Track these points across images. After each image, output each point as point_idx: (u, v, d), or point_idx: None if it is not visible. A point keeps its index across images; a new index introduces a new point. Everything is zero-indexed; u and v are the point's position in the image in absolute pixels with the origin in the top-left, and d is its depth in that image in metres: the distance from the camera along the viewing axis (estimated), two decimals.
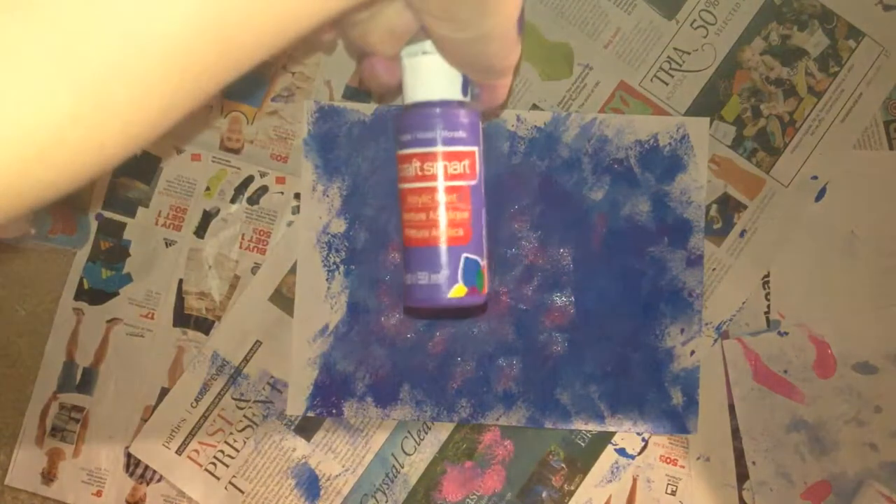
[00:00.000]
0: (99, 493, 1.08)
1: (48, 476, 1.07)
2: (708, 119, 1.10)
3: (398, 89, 0.77)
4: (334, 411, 1.08)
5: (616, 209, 1.09)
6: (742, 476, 1.09)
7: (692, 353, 1.09)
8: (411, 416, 1.08)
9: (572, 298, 1.09)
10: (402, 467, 1.09)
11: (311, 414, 1.08)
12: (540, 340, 1.09)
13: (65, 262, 1.10)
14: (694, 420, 1.09)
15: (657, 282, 1.09)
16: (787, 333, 1.09)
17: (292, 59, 1.10)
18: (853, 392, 1.08)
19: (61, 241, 1.03)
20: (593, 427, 1.09)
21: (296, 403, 1.08)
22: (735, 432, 1.09)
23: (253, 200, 1.09)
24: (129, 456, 1.09)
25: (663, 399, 1.09)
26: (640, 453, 1.09)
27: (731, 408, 1.09)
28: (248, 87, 1.10)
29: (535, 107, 1.10)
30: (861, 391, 1.08)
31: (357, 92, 1.10)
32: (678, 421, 1.09)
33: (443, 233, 0.76)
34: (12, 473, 1.07)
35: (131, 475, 1.08)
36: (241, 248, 1.10)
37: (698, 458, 1.09)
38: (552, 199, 1.09)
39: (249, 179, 1.09)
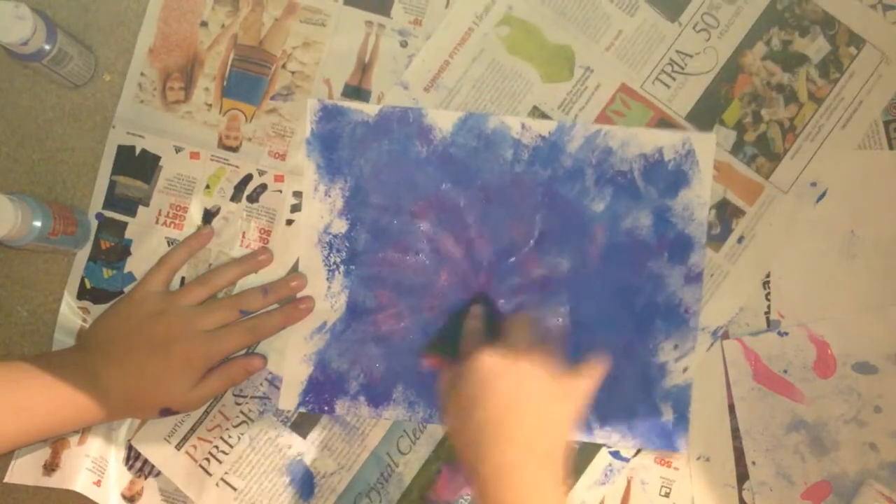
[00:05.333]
0: (98, 483, 1.08)
1: (50, 467, 1.08)
2: (714, 135, 1.09)
3: None
4: (326, 408, 1.09)
5: (617, 222, 1.09)
6: (742, 476, 1.09)
7: (685, 369, 1.09)
8: (403, 416, 1.09)
9: (568, 308, 1.09)
10: (397, 466, 1.09)
11: (303, 410, 1.09)
12: None
13: (66, 263, 1.10)
14: (684, 437, 1.09)
15: (654, 297, 1.09)
16: (787, 333, 1.09)
17: (291, 57, 1.10)
18: (853, 392, 1.09)
19: (62, 241, 1.03)
20: (582, 438, 1.09)
21: (288, 398, 1.09)
22: (735, 432, 1.09)
23: (252, 198, 1.09)
24: (130, 448, 1.09)
25: (653, 414, 1.09)
26: (634, 456, 1.09)
27: (731, 408, 1.09)
28: (248, 85, 1.11)
29: (535, 109, 1.10)
30: (861, 391, 1.09)
31: (356, 90, 1.10)
32: (667, 437, 1.09)
33: None
34: (13, 470, 1.07)
35: (130, 468, 1.09)
36: (242, 246, 1.10)
37: (698, 458, 1.09)
38: (553, 209, 1.09)
39: (248, 177, 1.09)
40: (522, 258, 1.09)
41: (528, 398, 0.92)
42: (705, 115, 1.10)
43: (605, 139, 1.09)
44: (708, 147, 1.09)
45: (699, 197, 1.09)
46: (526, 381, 0.93)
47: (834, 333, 1.09)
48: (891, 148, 1.10)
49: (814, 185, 1.10)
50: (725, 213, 1.10)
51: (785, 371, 1.09)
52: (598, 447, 1.09)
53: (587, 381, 0.99)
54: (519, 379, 0.93)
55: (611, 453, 1.09)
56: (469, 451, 0.91)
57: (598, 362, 1.01)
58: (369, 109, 1.09)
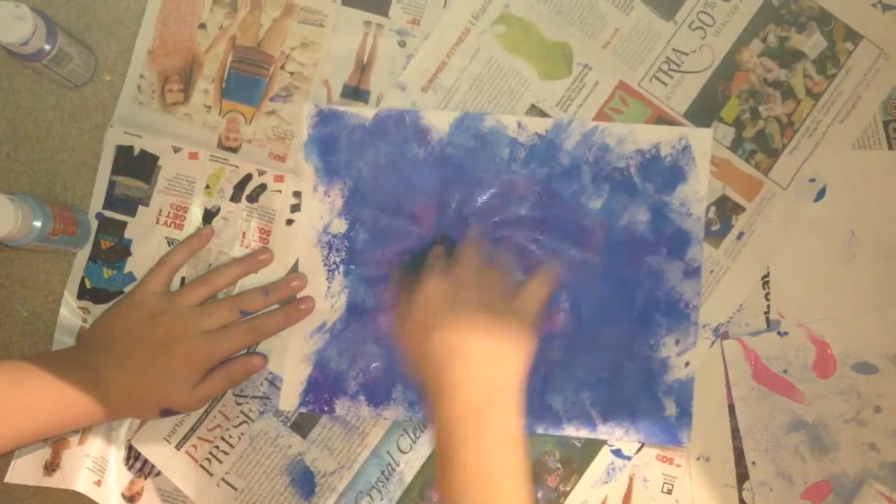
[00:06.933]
0: (98, 483, 1.08)
1: (50, 467, 1.07)
2: (711, 130, 1.09)
3: None
4: (326, 408, 1.08)
5: (614, 218, 1.09)
6: (742, 476, 1.09)
7: (687, 364, 1.09)
8: (403, 416, 1.08)
9: (567, 305, 1.09)
10: (398, 465, 1.09)
11: (303, 410, 1.08)
12: None
13: (66, 263, 1.10)
14: (687, 431, 1.09)
15: (653, 292, 1.09)
16: (787, 333, 1.09)
17: (290, 58, 1.11)
18: (853, 392, 1.09)
19: (62, 241, 1.03)
20: (585, 434, 1.08)
21: (288, 399, 1.09)
22: (735, 432, 1.09)
23: (252, 198, 1.09)
24: (129, 448, 1.09)
25: (656, 409, 1.09)
26: (636, 454, 1.09)
27: (731, 408, 1.09)
28: (247, 87, 1.11)
29: (533, 107, 1.10)
30: (861, 391, 1.09)
31: (355, 91, 1.11)
32: (671, 432, 1.09)
33: None
34: (13, 470, 1.07)
35: (130, 468, 1.09)
36: (242, 246, 1.10)
37: (698, 458, 1.09)
38: (551, 207, 1.09)
39: (248, 178, 1.09)
40: (520, 256, 1.09)
41: (474, 321, 0.95)
42: (703, 112, 1.10)
43: (601, 136, 1.09)
44: (704, 142, 1.09)
45: (696, 192, 1.09)
46: (472, 304, 0.97)
47: (834, 333, 1.09)
48: (890, 148, 1.11)
49: (813, 180, 1.10)
50: (725, 209, 1.10)
51: (785, 371, 1.09)
52: (599, 446, 1.09)
53: (537, 291, 1.03)
54: (466, 303, 0.97)
55: (613, 452, 1.09)
56: (424, 374, 0.96)
57: (547, 272, 1.06)
58: (365, 113, 1.09)
